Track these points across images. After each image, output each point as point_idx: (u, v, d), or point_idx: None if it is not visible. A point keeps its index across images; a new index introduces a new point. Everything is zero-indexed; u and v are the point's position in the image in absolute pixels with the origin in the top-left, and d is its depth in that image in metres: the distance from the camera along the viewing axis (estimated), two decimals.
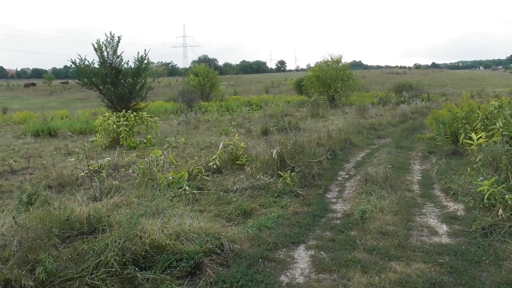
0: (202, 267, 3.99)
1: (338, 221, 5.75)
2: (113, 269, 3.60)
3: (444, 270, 4.05)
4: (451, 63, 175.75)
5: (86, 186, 7.46)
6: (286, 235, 5.12)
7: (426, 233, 5.17)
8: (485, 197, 5.34)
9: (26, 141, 14.98)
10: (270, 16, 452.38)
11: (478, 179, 5.84)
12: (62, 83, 76.12)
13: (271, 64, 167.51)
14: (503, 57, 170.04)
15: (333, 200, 6.96)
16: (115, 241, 3.86)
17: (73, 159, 10.43)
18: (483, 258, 4.27)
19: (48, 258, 3.51)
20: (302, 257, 4.56)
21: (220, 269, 4.10)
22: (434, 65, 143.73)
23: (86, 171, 7.84)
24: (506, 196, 5.16)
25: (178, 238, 4.27)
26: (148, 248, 3.94)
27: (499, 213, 5.10)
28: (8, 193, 7.40)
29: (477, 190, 5.67)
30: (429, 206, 6.42)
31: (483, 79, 66.22)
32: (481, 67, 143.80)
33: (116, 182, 7.15)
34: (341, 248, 4.69)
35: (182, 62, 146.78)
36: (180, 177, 7.03)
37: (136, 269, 3.75)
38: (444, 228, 5.38)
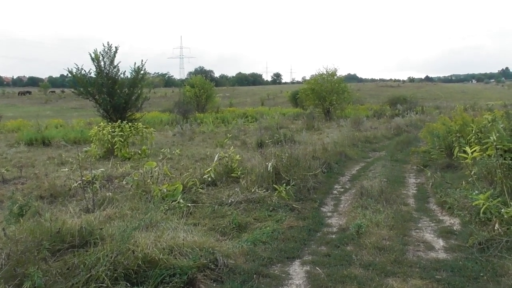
0: (195, 283, 3.92)
1: (334, 236, 5.69)
2: (104, 285, 3.53)
3: (442, 287, 4.00)
4: (444, 76, 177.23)
5: (79, 197, 7.35)
6: (281, 250, 5.06)
7: (422, 248, 5.13)
8: (481, 211, 5.31)
9: (19, 150, 14.85)
10: (266, 29, 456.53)
11: (474, 193, 5.82)
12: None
13: (267, 77, 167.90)
14: (495, 70, 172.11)
15: (329, 214, 6.91)
16: (107, 255, 3.79)
17: (67, 169, 10.32)
18: (481, 274, 4.23)
19: (37, 272, 3.43)
20: (297, 272, 4.49)
21: (214, 285, 4.03)
22: (427, 79, 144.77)
23: (79, 181, 7.75)
24: (502, 210, 5.13)
25: (172, 253, 4.19)
26: (140, 263, 3.87)
27: (495, 228, 5.07)
28: None
29: (473, 204, 5.65)
30: (425, 221, 6.39)
31: (476, 93, 66.76)
32: (473, 80, 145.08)
33: (110, 193, 7.06)
34: (337, 263, 4.63)
35: (179, 73, 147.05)
36: (175, 190, 6.97)
37: (128, 284, 3.67)
38: (440, 243, 5.34)
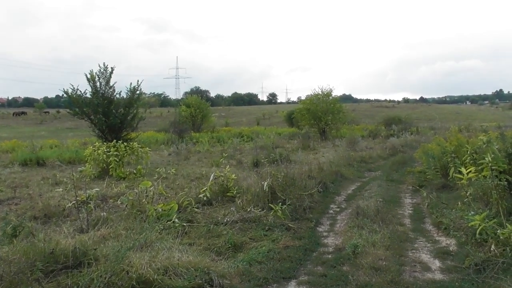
0: None
1: (330, 256, 5.66)
2: None
3: None
4: (439, 97, 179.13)
5: (73, 217, 7.30)
6: (277, 270, 5.02)
7: (419, 269, 5.11)
8: (477, 232, 5.32)
9: (13, 170, 14.75)
10: (262, 50, 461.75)
11: (469, 214, 5.83)
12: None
13: (263, 97, 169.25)
14: (489, 92, 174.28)
15: (325, 233, 6.88)
16: (100, 276, 3.76)
17: (61, 189, 10.26)
18: None
19: None
20: None
21: None
22: (422, 100, 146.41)
23: (74, 201, 7.69)
24: (498, 231, 5.14)
25: (166, 273, 4.16)
26: (134, 284, 3.83)
27: (491, 249, 5.06)
28: None
29: (469, 225, 5.66)
30: (421, 241, 6.37)
31: (470, 114, 67.41)
32: (468, 102, 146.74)
33: (104, 213, 7.01)
34: (333, 284, 4.60)
35: (174, 93, 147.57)
36: (170, 209, 6.94)
37: None
38: (436, 263, 5.32)
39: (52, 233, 5.55)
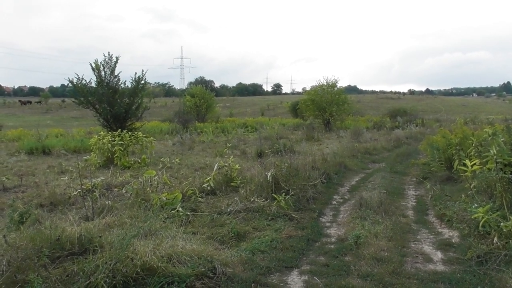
0: None
1: (332, 246, 5.70)
2: None
3: None
4: (445, 89, 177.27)
5: (79, 205, 7.37)
6: (279, 259, 5.06)
7: (421, 260, 5.13)
8: (480, 224, 5.31)
9: (19, 159, 14.87)
10: (267, 40, 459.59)
11: (473, 206, 5.83)
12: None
13: (267, 87, 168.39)
14: (496, 84, 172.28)
15: (327, 224, 6.92)
16: (106, 263, 3.80)
17: (67, 177, 10.35)
18: (479, 287, 4.23)
19: (37, 278, 3.45)
20: (295, 282, 4.49)
21: None
22: (428, 91, 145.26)
23: (79, 190, 7.77)
24: (501, 223, 5.14)
25: (170, 261, 4.21)
26: (139, 270, 3.88)
27: (494, 241, 5.07)
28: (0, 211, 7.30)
29: (472, 217, 5.65)
30: (423, 232, 6.39)
31: (477, 106, 66.95)
32: (474, 94, 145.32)
33: (109, 202, 7.07)
34: (335, 273, 4.63)
35: (179, 83, 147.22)
36: (174, 198, 6.99)
37: None
38: (439, 255, 5.34)
39: (58, 220, 5.63)
